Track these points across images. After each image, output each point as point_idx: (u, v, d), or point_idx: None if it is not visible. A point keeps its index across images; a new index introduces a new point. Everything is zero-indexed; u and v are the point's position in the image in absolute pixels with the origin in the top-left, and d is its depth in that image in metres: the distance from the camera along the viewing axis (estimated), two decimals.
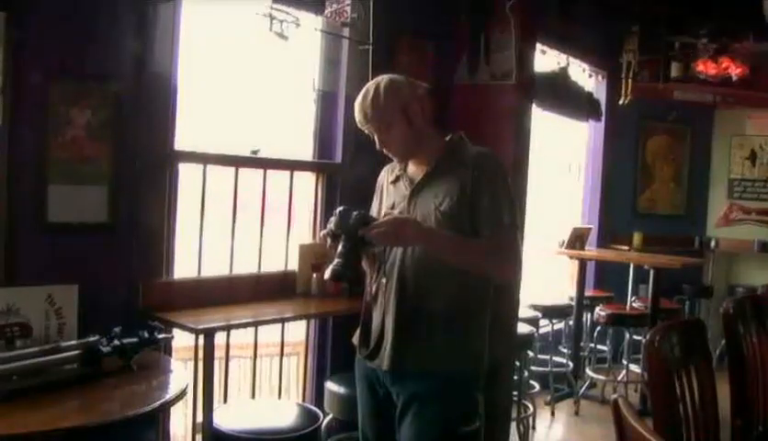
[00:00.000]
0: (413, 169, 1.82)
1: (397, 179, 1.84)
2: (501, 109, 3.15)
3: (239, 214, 2.64)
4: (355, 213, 1.62)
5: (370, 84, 1.74)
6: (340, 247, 1.62)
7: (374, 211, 1.87)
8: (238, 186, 2.63)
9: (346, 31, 2.84)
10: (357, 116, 1.74)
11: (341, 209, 1.65)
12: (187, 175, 2.46)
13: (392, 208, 1.80)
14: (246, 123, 2.73)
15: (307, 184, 2.95)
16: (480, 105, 3.18)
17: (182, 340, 2.34)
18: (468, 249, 1.68)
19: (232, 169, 2.62)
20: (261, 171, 2.74)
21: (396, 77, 1.75)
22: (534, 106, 3.48)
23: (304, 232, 2.96)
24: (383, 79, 1.74)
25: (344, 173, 2.94)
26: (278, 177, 2.82)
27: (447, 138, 1.82)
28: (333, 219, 1.65)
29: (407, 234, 1.63)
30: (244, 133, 2.72)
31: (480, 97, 3.19)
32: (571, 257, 4.37)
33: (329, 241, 1.67)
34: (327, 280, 1.69)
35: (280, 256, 2.83)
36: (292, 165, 2.86)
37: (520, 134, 3.18)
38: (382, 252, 1.75)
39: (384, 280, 1.75)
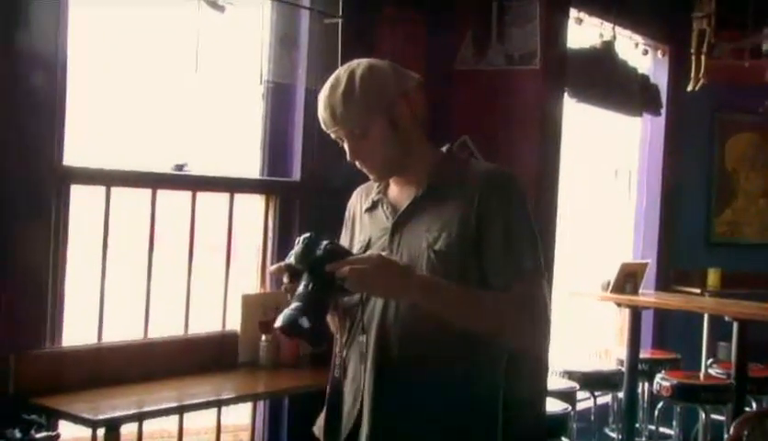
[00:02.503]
0: (397, 192, 1.82)
1: (374, 205, 1.85)
2: (520, 104, 3.18)
3: (158, 254, 2.63)
4: (324, 243, 1.62)
5: (342, 72, 1.74)
6: (300, 287, 1.60)
7: None
8: (156, 217, 2.61)
9: None
10: (323, 114, 1.74)
11: (306, 236, 1.64)
12: (84, 200, 2.44)
13: (367, 245, 1.80)
14: (169, 130, 2.76)
15: (253, 211, 2.96)
16: (492, 99, 3.21)
17: (73, 433, 2.28)
18: (477, 306, 1.68)
19: (148, 192, 2.62)
20: (188, 193, 2.73)
21: (377, 63, 1.76)
22: (566, 96, 3.50)
23: (249, 278, 2.95)
24: (360, 65, 1.74)
25: (305, 195, 2.96)
26: (213, 202, 2.82)
27: (445, 148, 1.83)
28: (294, 249, 1.65)
29: (393, 284, 1.62)
30: (166, 144, 2.73)
31: (492, 88, 3.21)
32: (620, 305, 4.35)
33: (285, 279, 1.66)
34: (284, 341, 1.66)
35: (216, 312, 2.81)
36: (232, 185, 2.85)
37: (547, 137, 3.19)
38: (357, 304, 1.75)
39: (362, 338, 1.75)
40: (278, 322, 1.57)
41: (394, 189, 1.82)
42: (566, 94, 3.53)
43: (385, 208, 1.81)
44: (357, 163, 1.77)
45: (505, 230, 1.69)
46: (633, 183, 5.01)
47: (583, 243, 4.67)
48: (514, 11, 3.19)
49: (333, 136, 1.77)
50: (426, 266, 1.69)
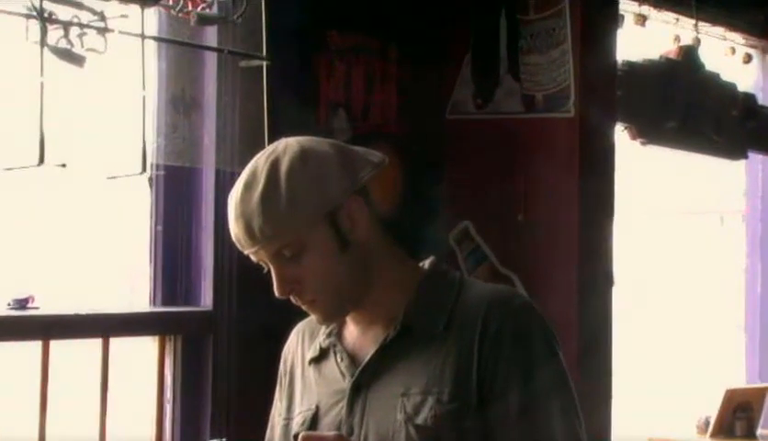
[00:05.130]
0: (357, 333, 1.86)
1: (323, 354, 1.89)
2: (548, 165, 3.23)
3: None
4: None
5: (261, 164, 1.76)
6: None
7: (275, 425, 1.91)
8: None
9: (211, 34, 2.89)
10: (235, 228, 1.76)
11: None
12: None
13: (314, 419, 1.83)
14: (3, 251, 2.73)
15: (141, 363, 2.94)
16: (504, 161, 3.27)
17: None
18: None
19: None
20: (37, 345, 2.68)
21: (314, 146, 1.79)
22: (626, 137, 3.63)
23: None
24: (287, 152, 1.77)
25: (220, 331, 2.95)
26: (78, 355, 2.81)
27: (427, 263, 1.87)
28: None
29: None
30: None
31: (504, 146, 3.27)
32: None
33: None
34: None
35: None
36: (106, 325, 2.83)
37: (591, 212, 3.23)
38: None
39: None
40: None
41: (352, 330, 1.86)
42: (625, 134, 3.58)
43: (339, 358, 1.84)
44: (292, 298, 1.79)
45: (525, 390, 1.72)
46: (741, 261, 5.05)
47: (663, 361, 4.66)
48: (533, 29, 3.25)
49: (253, 258, 1.79)
50: None
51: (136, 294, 3.01)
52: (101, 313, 2.85)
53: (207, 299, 2.98)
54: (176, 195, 3.01)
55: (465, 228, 3.27)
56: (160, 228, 2.99)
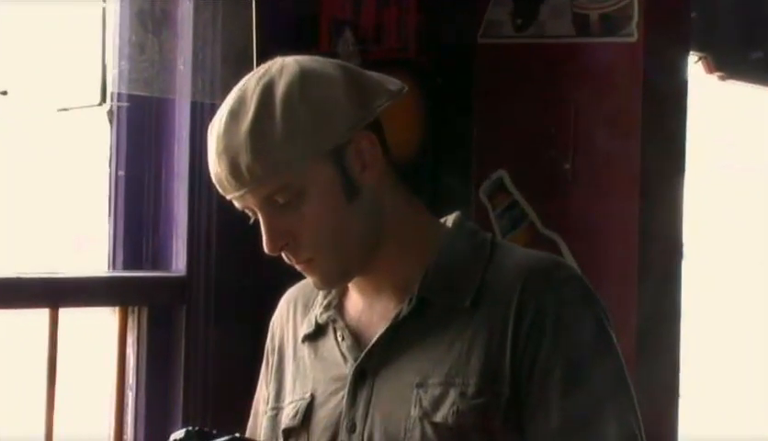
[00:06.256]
0: (363, 305, 1.89)
1: (319, 331, 1.91)
2: (604, 100, 3.22)
3: None
4: None
5: (250, 88, 1.77)
6: None
7: (258, 413, 1.96)
8: None
9: None
10: (216, 167, 1.77)
11: (183, 434, 1.70)
12: None
13: (308, 409, 1.86)
14: None
15: (98, 339, 2.96)
16: (548, 94, 3.27)
17: None
18: None
19: None
20: None
21: (317, 68, 1.80)
22: (701, 70, 3.61)
23: None
24: (284, 74, 1.77)
25: (197, 300, 2.97)
26: (20, 330, 2.84)
27: (450, 219, 1.89)
28: None
29: None
30: None
31: (548, 75, 3.26)
32: None
33: None
34: None
35: None
36: (54, 294, 2.84)
37: (657, 164, 3.23)
38: None
39: None
40: None
41: (356, 301, 1.89)
42: (699, 66, 3.56)
43: (340, 337, 1.86)
44: (284, 255, 1.80)
45: (570, 383, 1.73)
46: None
47: (740, 348, 4.68)
48: None
49: (237, 205, 1.80)
50: None
51: (92, 255, 3.00)
52: (49, 278, 2.85)
53: (179, 263, 2.99)
54: (143, 132, 3.00)
55: (499, 179, 3.26)
56: (122, 173, 2.98)
